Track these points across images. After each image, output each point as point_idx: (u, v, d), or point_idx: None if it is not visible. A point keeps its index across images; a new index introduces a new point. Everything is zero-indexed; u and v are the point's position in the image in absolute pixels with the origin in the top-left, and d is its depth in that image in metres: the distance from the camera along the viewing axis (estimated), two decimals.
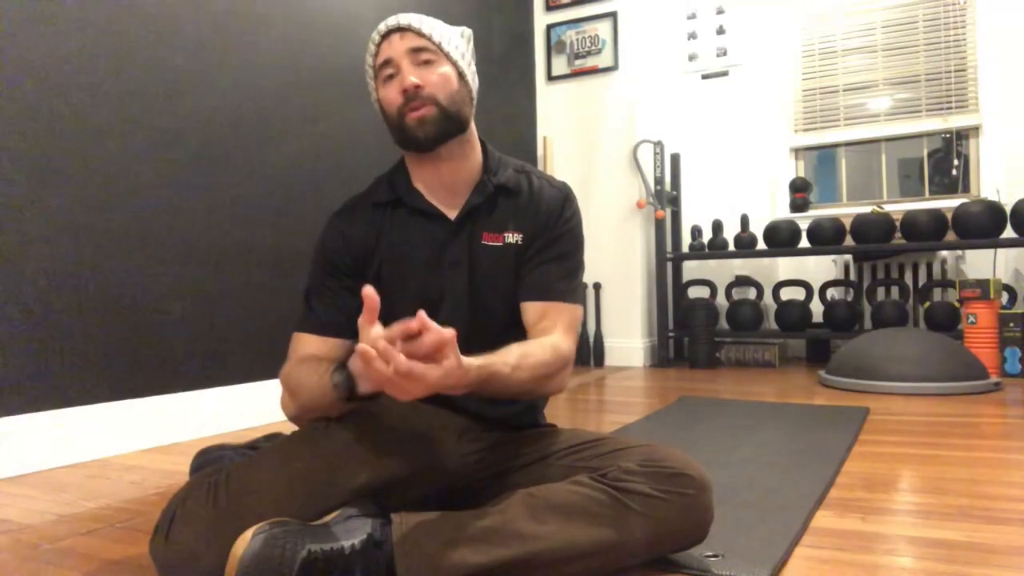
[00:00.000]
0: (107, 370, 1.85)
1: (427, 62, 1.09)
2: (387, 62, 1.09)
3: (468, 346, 1.14)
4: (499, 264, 1.15)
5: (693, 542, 0.97)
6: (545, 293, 1.13)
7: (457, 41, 1.14)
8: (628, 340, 3.80)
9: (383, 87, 1.11)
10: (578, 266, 1.18)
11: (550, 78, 3.99)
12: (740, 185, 4.09)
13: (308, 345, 1.14)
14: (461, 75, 1.13)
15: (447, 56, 1.11)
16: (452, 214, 1.15)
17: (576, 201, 1.21)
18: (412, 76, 1.07)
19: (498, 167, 1.19)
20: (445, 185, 1.15)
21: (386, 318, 1.17)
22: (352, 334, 1.16)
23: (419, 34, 1.09)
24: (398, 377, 0.80)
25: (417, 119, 1.08)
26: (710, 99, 4.16)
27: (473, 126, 1.18)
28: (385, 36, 1.10)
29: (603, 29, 3.84)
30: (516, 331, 1.16)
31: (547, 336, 1.09)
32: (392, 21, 1.10)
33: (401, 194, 1.16)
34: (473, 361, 0.90)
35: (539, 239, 1.15)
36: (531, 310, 1.14)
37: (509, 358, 0.98)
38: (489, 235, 1.15)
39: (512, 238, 1.15)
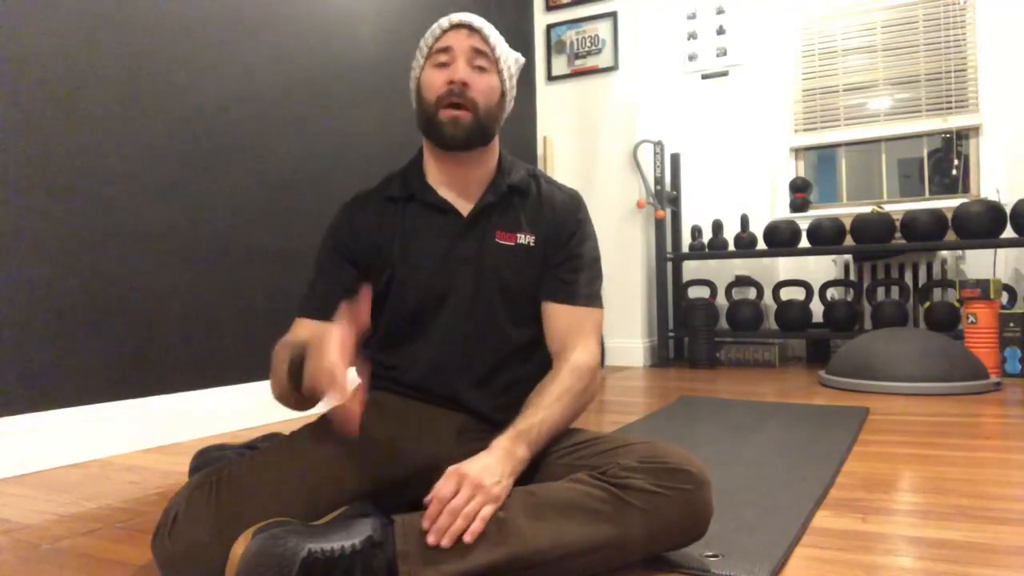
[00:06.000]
0: (107, 370, 1.85)
1: (481, 68, 1.12)
2: (446, 49, 1.12)
3: (471, 343, 1.15)
4: (510, 264, 1.15)
5: (693, 538, 0.97)
6: (571, 298, 1.16)
7: (510, 62, 1.18)
8: (628, 340, 3.80)
9: (431, 69, 1.13)
10: (598, 271, 1.21)
11: (550, 78, 3.99)
12: (740, 185, 4.09)
13: (305, 329, 1.14)
14: (503, 94, 1.16)
15: (499, 72, 1.15)
16: (465, 210, 1.16)
17: (585, 204, 1.24)
18: (464, 73, 1.10)
19: (511, 169, 1.21)
20: (459, 183, 1.17)
21: (392, 312, 1.17)
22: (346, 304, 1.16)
23: (485, 40, 1.13)
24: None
25: (451, 118, 1.10)
26: (710, 99, 4.16)
27: (496, 138, 1.20)
28: (454, 27, 1.12)
29: (603, 29, 3.84)
30: (520, 331, 1.16)
31: (565, 357, 1.12)
32: (467, 19, 1.13)
33: (414, 190, 1.17)
34: (505, 445, 0.98)
35: (556, 244, 1.17)
36: (557, 315, 1.16)
37: (534, 417, 1.03)
38: (503, 234, 1.16)
39: (525, 239, 1.16)
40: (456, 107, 1.10)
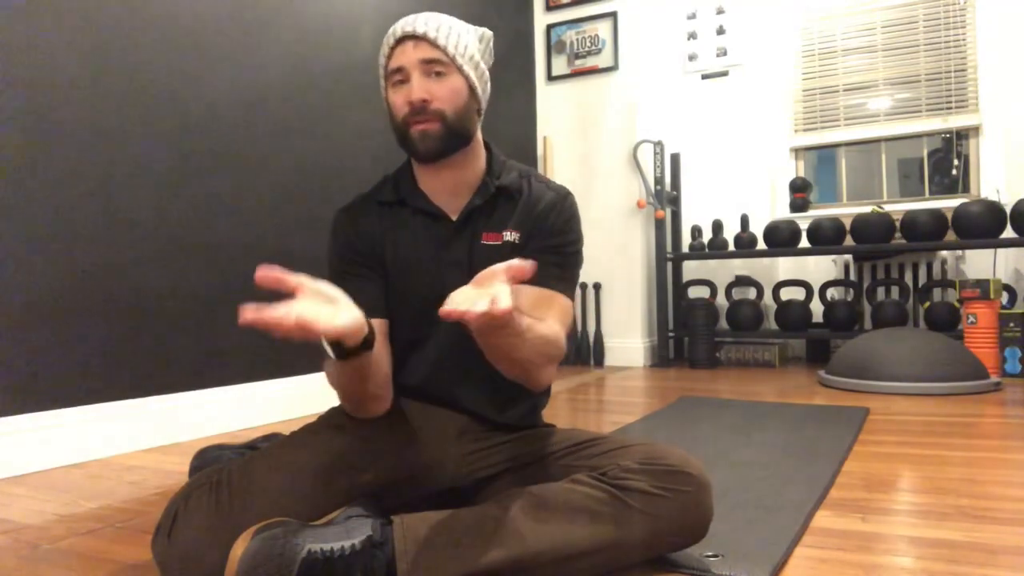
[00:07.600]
0: (107, 370, 1.85)
1: (438, 73, 1.07)
2: (399, 69, 1.07)
3: (464, 347, 1.14)
4: (496, 264, 1.14)
5: (693, 540, 0.97)
6: (538, 280, 1.10)
7: (473, 49, 1.11)
8: (628, 340, 3.80)
9: (392, 91, 1.10)
10: (573, 261, 1.16)
11: (550, 78, 3.99)
12: (740, 185, 4.09)
13: None
14: (472, 88, 1.11)
15: (459, 69, 1.09)
16: (454, 215, 1.15)
17: (574, 202, 1.19)
18: (421, 90, 1.05)
19: (501, 170, 1.18)
20: (447, 188, 1.15)
21: (389, 317, 1.17)
22: (381, 314, 1.13)
23: (433, 44, 1.06)
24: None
25: (420, 132, 1.07)
26: (710, 99, 4.16)
27: (479, 134, 1.17)
28: (399, 42, 1.07)
29: (603, 29, 3.84)
30: None
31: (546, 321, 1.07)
32: (408, 27, 1.06)
33: (404, 195, 1.16)
34: None
35: (536, 234, 1.14)
36: (524, 295, 1.11)
37: (525, 318, 0.95)
38: (488, 235, 1.14)
39: (510, 236, 1.14)
40: (421, 122, 1.07)
